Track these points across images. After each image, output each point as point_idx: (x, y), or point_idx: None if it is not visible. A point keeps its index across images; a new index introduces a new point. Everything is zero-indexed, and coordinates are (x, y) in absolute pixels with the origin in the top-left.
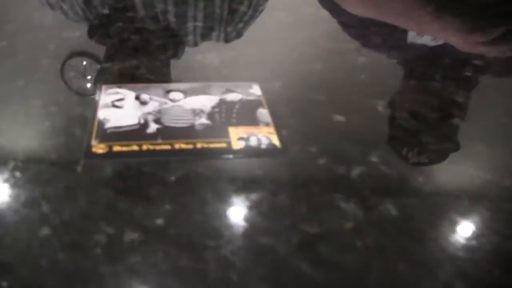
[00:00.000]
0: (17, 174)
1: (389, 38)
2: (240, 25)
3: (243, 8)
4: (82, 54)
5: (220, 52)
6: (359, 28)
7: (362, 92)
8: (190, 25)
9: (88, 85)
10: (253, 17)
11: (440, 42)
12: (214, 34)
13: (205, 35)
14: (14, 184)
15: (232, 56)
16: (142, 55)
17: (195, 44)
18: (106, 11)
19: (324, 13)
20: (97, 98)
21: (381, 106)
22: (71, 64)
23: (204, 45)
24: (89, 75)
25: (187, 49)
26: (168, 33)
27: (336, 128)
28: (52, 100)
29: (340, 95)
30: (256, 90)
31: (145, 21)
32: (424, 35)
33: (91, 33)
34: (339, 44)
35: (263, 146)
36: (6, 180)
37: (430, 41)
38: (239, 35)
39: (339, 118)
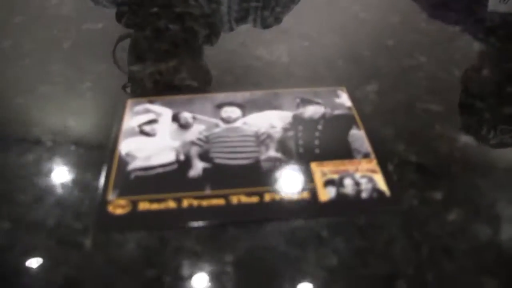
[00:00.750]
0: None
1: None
2: (278, 9)
3: None
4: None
5: (290, 43)
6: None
7: (488, 97)
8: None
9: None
10: (293, 1)
11: None
12: (250, 18)
13: (240, 19)
14: None
15: (306, 49)
16: (183, 52)
17: (231, 29)
18: None
19: None
20: (119, 119)
21: None
22: (123, 46)
23: (269, 34)
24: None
25: (244, 42)
26: (216, 18)
27: (464, 157)
28: (59, 125)
29: (460, 101)
30: (343, 99)
31: (189, 2)
32: None
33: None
34: (441, 24)
35: (364, 195)
36: None
37: None
38: (277, 20)
39: (465, 139)
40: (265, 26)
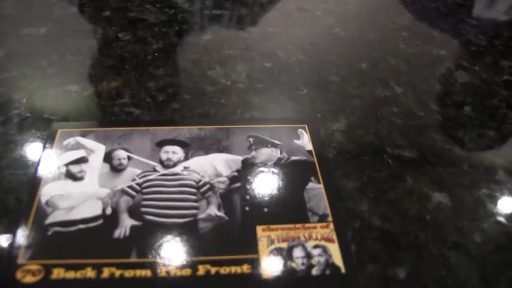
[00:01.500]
0: None
1: (495, 37)
2: (255, 9)
3: None
4: None
5: (250, 64)
6: (450, 18)
7: (468, 138)
8: (197, 6)
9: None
10: (271, 1)
11: None
12: (225, 17)
13: (214, 18)
14: None
15: (268, 71)
16: (130, 70)
17: (202, 28)
18: None
19: None
20: (44, 156)
21: (502, 172)
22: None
23: (229, 49)
24: None
25: (199, 60)
26: (173, 28)
27: (435, 222)
28: None
29: (436, 146)
30: (304, 141)
31: (144, 7)
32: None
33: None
34: (423, 46)
35: (314, 272)
36: None
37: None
38: (254, 22)
39: (439, 198)
40: (241, 28)
